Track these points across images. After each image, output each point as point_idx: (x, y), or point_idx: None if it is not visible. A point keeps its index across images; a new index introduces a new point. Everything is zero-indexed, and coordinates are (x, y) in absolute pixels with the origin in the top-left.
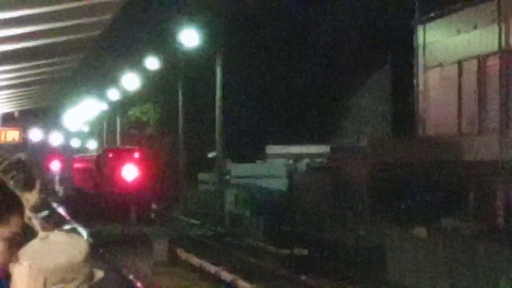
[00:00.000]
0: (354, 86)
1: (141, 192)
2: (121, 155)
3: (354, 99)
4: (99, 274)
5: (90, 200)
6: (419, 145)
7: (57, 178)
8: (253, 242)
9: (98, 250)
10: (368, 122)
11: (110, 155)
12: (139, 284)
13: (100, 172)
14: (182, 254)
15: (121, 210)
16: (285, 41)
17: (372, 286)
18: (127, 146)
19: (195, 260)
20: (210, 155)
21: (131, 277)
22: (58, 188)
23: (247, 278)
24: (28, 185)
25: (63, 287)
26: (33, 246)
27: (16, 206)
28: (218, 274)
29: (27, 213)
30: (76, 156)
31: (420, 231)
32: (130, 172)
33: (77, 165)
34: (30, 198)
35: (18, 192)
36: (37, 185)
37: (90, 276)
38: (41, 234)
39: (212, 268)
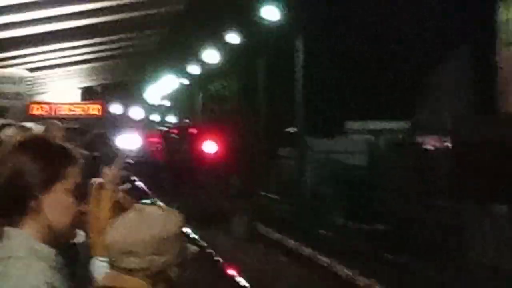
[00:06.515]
0: (435, 63)
1: (219, 166)
2: (200, 131)
3: (434, 76)
4: (193, 249)
5: (168, 175)
6: (503, 123)
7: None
8: (333, 218)
9: None
10: (448, 100)
11: (190, 130)
12: (219, 259)
13: (180, 147)
14: (262, 229)
15: (200, 185)
16: (365, 16)
17: (452, 263)
18: (207, 122)
19: (275, 236)
20: (290, 129)
21: (210, 251)
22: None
23: (327, 253)
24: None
25: (155, 259)
26: (128, 216)
27: (69, 159)
28: (298, 249)
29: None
30: (153, 130)
31: (501, 209)
32: (209, 147)
33: (154, 140)
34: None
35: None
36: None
37: (184, 251)
38: (137, 205)
39: (292, 243)
